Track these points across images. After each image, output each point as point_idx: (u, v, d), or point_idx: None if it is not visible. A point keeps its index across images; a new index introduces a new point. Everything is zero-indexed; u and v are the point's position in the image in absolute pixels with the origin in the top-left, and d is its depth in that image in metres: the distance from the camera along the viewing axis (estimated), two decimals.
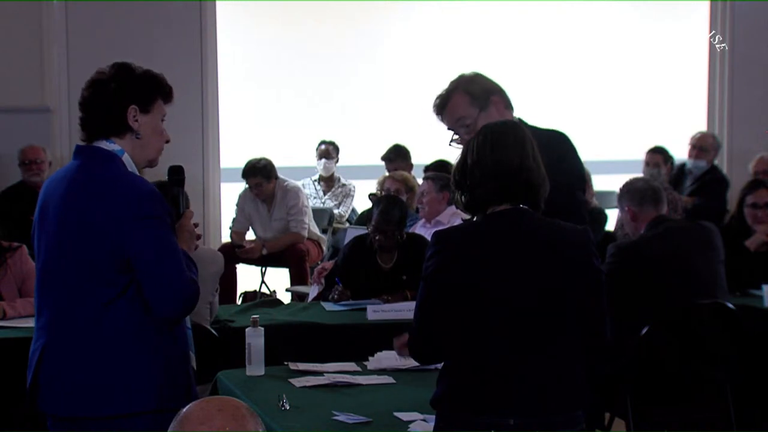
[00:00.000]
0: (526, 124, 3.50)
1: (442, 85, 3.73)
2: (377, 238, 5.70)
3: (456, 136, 3.70)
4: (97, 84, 3.11)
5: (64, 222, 3.03)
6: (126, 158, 3.09)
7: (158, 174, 3.47)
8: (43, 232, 3.10)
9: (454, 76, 3.76)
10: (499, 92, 3.70)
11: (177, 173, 3.33)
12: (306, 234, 8.02)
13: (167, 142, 3.19)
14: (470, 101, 3.66)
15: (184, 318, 3.14)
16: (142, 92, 3.11)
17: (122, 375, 2.99)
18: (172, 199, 3.23)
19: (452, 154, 3.06)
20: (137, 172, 3.11)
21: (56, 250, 3.04)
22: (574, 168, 3.67)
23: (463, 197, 3.00)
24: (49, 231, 3.07)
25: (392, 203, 5.78)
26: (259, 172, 7.94)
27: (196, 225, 3.27)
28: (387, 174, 7.76)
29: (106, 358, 2.99)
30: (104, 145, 3.08)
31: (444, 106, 3.70)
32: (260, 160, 8.00)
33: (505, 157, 2.93)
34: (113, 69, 3.13)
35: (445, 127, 3.74)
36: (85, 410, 3.01)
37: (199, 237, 3.29)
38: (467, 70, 3.79)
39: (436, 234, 2.97)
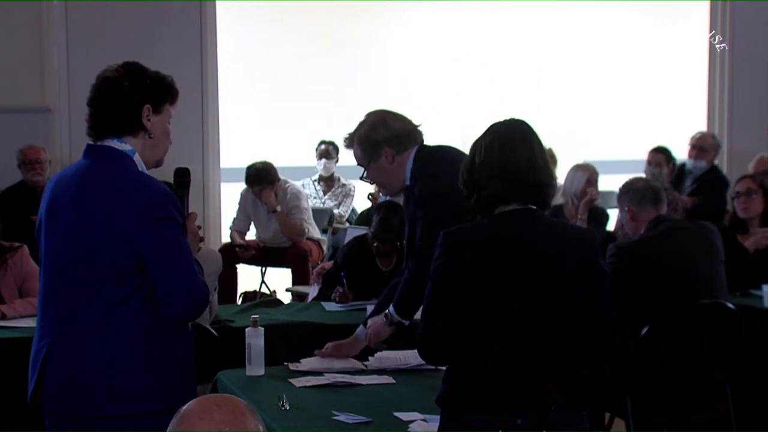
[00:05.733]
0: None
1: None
2: (376, 245, 5.69)
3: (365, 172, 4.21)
4: (108, 81, 3.08)
5: (75, 221, 3.00)
6: (137, 158, 3.07)
7: (163, 175, 3.46)
8: (50, 231, 3.07)
9: (363, 117, 4.15)
10: (392, 142, 4.08)
11: (183, 175, 3.30)
12: (307, 231, 8.02)
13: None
14: (362, 154, 4.15)
15: (194, 318, 3.14)
16: (155, 93, 3.10)
17: (131, 375, 2.98)
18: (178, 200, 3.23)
19: None
20: (146, 172, 3.09)
21: (66, 249, 3.02)
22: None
23: (471, 197, 2.98)
24: (59, 230, 3.04)
25: (392, 211, 5.76)
26: (263, 179, 7.92)
27: (199, 227, 3.26)
28: None
29: (115, 358, 2.98)
30: (115, 144, 3.06)
31: (349, 147, 4.23)
32: (262, 165, 7.95)
33: (512, 159, 2.91)
34: (125, 68, 3.11)
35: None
36: (91, 409, 2.99)
37: (202, 239, 3.29)
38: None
39: (444, 233, 2.95)
